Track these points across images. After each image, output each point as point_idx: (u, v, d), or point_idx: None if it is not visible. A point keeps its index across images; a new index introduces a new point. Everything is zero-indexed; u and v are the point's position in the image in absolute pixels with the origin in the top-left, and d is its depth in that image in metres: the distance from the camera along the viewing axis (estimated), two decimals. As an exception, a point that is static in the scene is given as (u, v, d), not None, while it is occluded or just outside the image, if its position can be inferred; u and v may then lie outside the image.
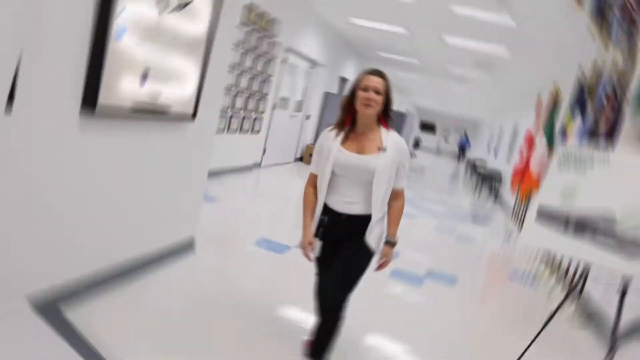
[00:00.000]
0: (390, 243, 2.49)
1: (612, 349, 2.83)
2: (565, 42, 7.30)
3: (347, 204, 2.41)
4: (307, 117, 11.32)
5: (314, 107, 11.49)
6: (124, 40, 2.55)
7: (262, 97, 8.31)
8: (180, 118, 3.26)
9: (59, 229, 2.57)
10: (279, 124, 9.67)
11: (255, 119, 8.29)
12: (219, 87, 3.79)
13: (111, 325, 2.69)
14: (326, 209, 2.45)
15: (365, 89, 2.34)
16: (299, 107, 10.90)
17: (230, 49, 3.81)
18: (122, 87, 2.64)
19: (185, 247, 3.88)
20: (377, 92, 2.35)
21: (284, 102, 9.85)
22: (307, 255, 2.44)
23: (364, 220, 2.41)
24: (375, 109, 2.36)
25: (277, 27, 8.03)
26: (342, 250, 2.43)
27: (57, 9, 2.18)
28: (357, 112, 2.40)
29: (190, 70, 3.21)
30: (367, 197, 2.39)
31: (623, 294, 2.87)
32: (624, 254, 2.78)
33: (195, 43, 3.19)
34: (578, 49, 7.39)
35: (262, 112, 8.51)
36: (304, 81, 10.81)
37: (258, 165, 9.08)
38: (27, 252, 2.41)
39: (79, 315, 2.65)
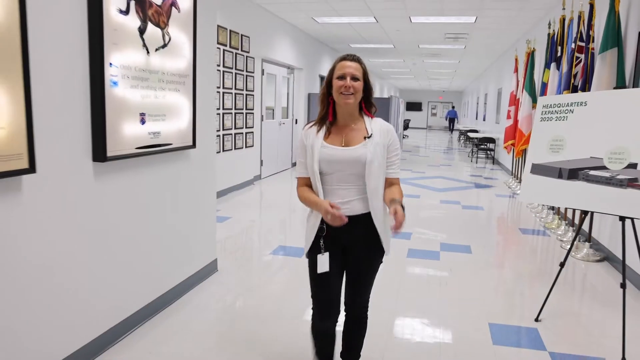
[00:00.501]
0: (398, 202, 2.08)
1: (624, 282, 3.01)
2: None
3: (343, 205, 2.16)
4: (296, 121, 11.49)
5: (299, 111, 11.65)
6: (118, 94, 2.72)
7: (249, 112, 8.48)
8: (182, 149, 3.43)
9: (85, 286, 2.73)
10: (270, 134, 9.85)
11: (247, 134, 8.46)
12: (211, 110, 3.96)
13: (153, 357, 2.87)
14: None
15: (342, 77, 2.15)
16: (285, 113, 11.09)
17: (214, 73, 3.97)
18: (127, 135, 2.81)
19: (209, 270, 4.06)
20: (355, 79, 2.15)
21: (270, 111, 10.02)
22: (337, 215, 2.02)
23: (364, 219, 2.20)
24: (356, 97, 2.17)
25: (248, 43, 8.20)
26: (351, 257, 2.29)
27: (57, 82, 2.35)
28: (337, 103, 2.21)
29: (183, 102, 3.38)
30: (362, 192, 2.18)
31: (623, 221, 3.07)
32: (617, 184, 2.96)
33: (183, 76, 3.36)
34: (545, 3, 7.61)
35: (252, 127, 8.68)
36: (285, 87, 10.99)
37: (258, 177, 9.26)
38: (58, 310, 2.58)
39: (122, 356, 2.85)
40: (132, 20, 2.81)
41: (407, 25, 10.17)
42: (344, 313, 2.43)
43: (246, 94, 8.30)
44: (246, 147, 8.50)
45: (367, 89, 2.23)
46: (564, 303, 3.75)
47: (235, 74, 7.80)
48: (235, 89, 7.85)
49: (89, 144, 2.61)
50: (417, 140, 22.98)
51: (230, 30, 7.49)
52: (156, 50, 3.05)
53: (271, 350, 2.95)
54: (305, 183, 2.28)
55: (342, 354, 2.50)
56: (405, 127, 23.64)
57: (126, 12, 2.75)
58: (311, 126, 2.28)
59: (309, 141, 2.24)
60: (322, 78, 13.44)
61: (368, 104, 2.27)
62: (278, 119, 10.49)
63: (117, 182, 2.86)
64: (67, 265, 2.53)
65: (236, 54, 7.77)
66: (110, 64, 2.64)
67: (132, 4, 2.79)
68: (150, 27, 2.96)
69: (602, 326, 3.39)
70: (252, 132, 8.75)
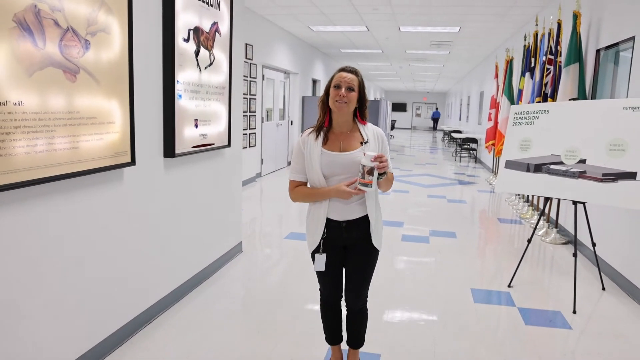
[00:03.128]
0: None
1: (575, 252, 3.83)
2: (511, 14, 8.36)
3: (344, 209, 2.39)
4: (291, 123, 12.25)
5: (294, 113, 12.42)
6: (182, 105, 3.46)
7: (252, 114, 9.23)
8: (221, 147, 4.17)
9: (157, 253, 3.45)
10: (269, 135, 10.61)
11: (250, 135, 9.21)
12: (240, 116, 4.71)
13: (194, 323, 3.61)
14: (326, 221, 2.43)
15: (337, 86, 2.32)
16: (282, 115, 11.85)
17: (242, 83, 4.72)
18: (186, 136, 3.55)
19: (237, 250, 4.81)
20: (350, 89, 2.32)
21: (269, 113, 10.78)
22: (352, 191, 2.30)
23: (364, 223, 2.43)
24: (350, 106, 2.33)
25: (252, 51, 8.96)
26: (351, 257, 2.51)
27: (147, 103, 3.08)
28: (332, 111, 2.37)
29: (222, 109, 4.12)
30: (360, 196, 2.38)
31: (575, 204, 3.89)
32: (570, 176, 3.78)
33: (222, 87, 4.11)
34: (522, 17, 8.46)
35: (254, 128, 9.43)
36: (281, 91, 11.75)
37: (259, 175, 10.00)
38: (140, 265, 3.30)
39: (171, 316, 3.60)
40: (191, 46, 3.55)
41: (396, 34, 10.98)
42: (345, 309, 2.67)
43: (250, 98, 9.05)
44: (249, 146, 9.24)
45: (362, 99, 2.40)
46: (532, 274, 4.56)
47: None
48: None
49: (161, 143, 3.35)
50: (403, 141, 23.86)
51: (238, 40, 8.22)
52: (205, 68, 3.79)
53: (294, 310, 3.71)
54: (299, 185, 2.46)
55: (348, 342, 2.74)
56: (392, 127, 24.56)
57: (187, 40, 3.49)
58: (309, 133, 2.42)
59: (307, 148, 2.39)
60: (314, 82, 14.21)
61: (362, 113, 2.44)
62: (276, 121, 11.25)
63: (179, 174, 3.61)
64: (148, 236, 3.26)
65: (242, 62, 8.50)
66: (177, 81, 3.39)
67: (191, 33, 3.53)
68: (202, 50, 3.71)
69: (560, 289, 4.20)
70: (255, 133, 9.50)
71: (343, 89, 2.31)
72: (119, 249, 2.96)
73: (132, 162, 2.91)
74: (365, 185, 2.25)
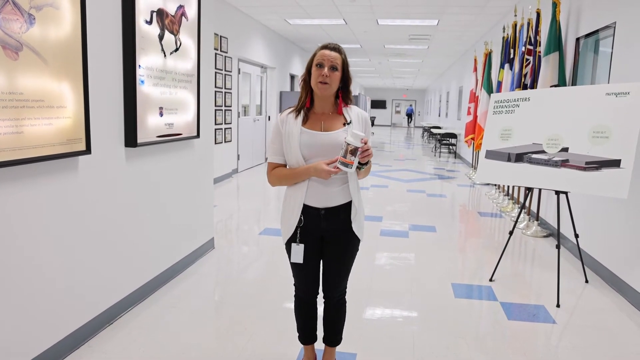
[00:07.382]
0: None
1: (558, 244, 3.70)
2: (490, 5, 8.26)
3: (324, 194, 2.23)
4: (269, 118, 12.03)
5: (272, 108, 12.21)
6: (145, 91, 3.25)
7: (227, 108, 9.00)
8: (189, 138, 3.96)
9: (119, 248, 3.24)
10: (246, 130, 10.38)
11: (225, 130, 8.98)
12: (211, 106, 4.50)
13: (161, 321, 3.41)
14: (303, 207, 2.26)
15: (320, 65, 2.16)
16: (259, 110, 11.63)
17: (212, 73, 4.51)
18: (149, 125, 3.33)
19: (208, 246, 4.60)
20: (333, 68, 2.15)
21: (246, 109, 10.55)
22: (331, 170, 2.11)
23: (344, 212, 2.28)
24: (332, 86, 2.17)
25: (226, 44, 8.73)
26: (330, 247, 2.35)
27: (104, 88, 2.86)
28: (314, 92, 2.22)
29: (190, 98, 3.91)
30: (344, 181, 2.24)
31: (558, 195, 3.76)
32: (553, 165, 3.65)
33: (190, 75, 3.89)
34: (501, 9, 8.38)
35: (230, 123, 9.20)
36: (258, 86, 11.53)
37: (236, 171, 9.77)
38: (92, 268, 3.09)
39: (137, 316, 3.38)
40: (154, 29, 3.33)
41: (374, 27, 10.84)
42: (323, 301, 2.50)
43: (225, 92, 8.82)
44: (225, 142, 9.01)
45: (345, 79, 2.24)
46: (514, 267, 4.44)
47: (215, 73, 8.30)
48: (215, 87, 8.35)
49: (122, 132, 3.13)
50: (383, 137, 23.78)
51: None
52: (170, 53, 3.58)
53: (268, 308, 3.52)
54: (278, 167, 2.29)
55: (324, 339, 2.57)
56: (371, 124, 24.52)
57: (150, 22, 3.27)
58: (289, 112, 2.27)
59: (286, 127, 2.23)
60: (292, 77, 14.01)
61: (345, 94, 2.27)
62: (252, 116, 11.02)
63: (142, 165, 3.39)
64: (107, 230, 3.05)
65: (216, 54, 8.27)
66: (139, 65, 3.17)
67: (154, 15, 3.32)
68: (166, 34, 3.49)
69: (543, 283, 4.08)
70: (231, 128, 9.27)
71: (326, 69, 2.15)
72: (73, 243, 2.74)
73: (88, 150, 2.69)
74: (346, 165, 2.07)
